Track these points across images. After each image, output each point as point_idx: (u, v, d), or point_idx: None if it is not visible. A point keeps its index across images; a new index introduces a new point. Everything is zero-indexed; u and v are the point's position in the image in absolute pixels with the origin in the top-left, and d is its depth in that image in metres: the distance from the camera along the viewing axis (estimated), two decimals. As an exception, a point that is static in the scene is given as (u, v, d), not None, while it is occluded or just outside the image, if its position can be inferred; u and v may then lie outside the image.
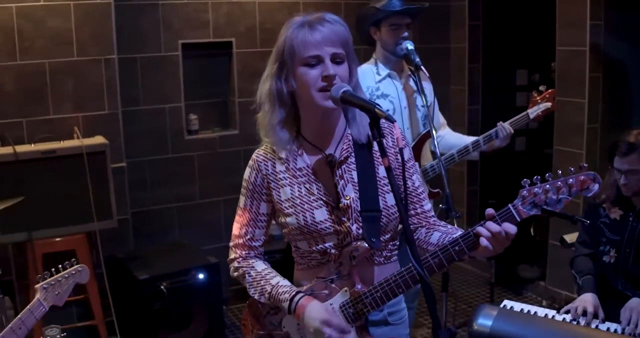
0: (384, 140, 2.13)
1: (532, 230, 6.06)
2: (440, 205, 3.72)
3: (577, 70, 4.89)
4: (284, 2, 5.55)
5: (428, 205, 2.34)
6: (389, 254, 2.30)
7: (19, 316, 2.36)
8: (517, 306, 3.19)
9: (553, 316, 3.11)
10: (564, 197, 1.90)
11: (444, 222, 2.34)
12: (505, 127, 3.85)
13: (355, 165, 2.22)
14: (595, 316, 3.08)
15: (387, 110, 3.60)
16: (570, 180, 1.89)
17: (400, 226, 2.36)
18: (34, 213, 4.23)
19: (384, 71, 3.79)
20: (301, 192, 2.22)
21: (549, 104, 4.02)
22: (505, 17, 6.30)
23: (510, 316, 3.05)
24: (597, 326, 3.03)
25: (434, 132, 3.57)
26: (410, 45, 3.63)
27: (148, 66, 5.24)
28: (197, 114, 5.57)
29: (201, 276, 4.64)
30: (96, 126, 4.81)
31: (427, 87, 3.81)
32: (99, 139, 4.64)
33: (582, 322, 3.05)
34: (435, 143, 3.54)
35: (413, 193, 2.30)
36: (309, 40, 2.08)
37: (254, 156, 2.32)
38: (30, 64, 4.61)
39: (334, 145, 2.24)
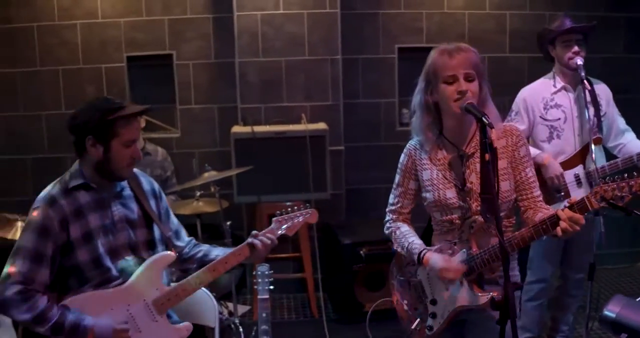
0: (504, 141, 2.82)
1: None
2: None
3: None
4: (491, 13, 5.97)
5: (537, 192, 2.86)
6: (503, 229, 2.90)
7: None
8: (652, 301, 3.45)
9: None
10: (625, 195, 2.45)
11: (547, 206, 2.86)
12: None
13: (479, 159, 2.80)
14: None
15: (558, 119, 4.12)
16: (632, 182, 2.43)
17: (520, 206, 2.95)
18: (263, 180, 5.13)
19: (560, 84, 4.16)
20: (438, 176, 2.90)
21: None
22: None
23: (636, 307, 3.38)
24: None
25: (591, 146, 3.96)
26: (579, 61, 4.00)
27: (368, 66, 5.94)
28: (409, 108, 6.12)
29: (396, 246, 5.23)
30: (320, 114, 5.61)
31: (604, 97, 4.16)
32: (321, 125, 5.43)
33: None
34: (593, 156, 3.96)
35: (525, 182, 2.84)
36: (448, 64, 2.72)
37: (408, 145, 3.03)
38: (269, 61, 5.53)
39: (466, 143, 2.87)
